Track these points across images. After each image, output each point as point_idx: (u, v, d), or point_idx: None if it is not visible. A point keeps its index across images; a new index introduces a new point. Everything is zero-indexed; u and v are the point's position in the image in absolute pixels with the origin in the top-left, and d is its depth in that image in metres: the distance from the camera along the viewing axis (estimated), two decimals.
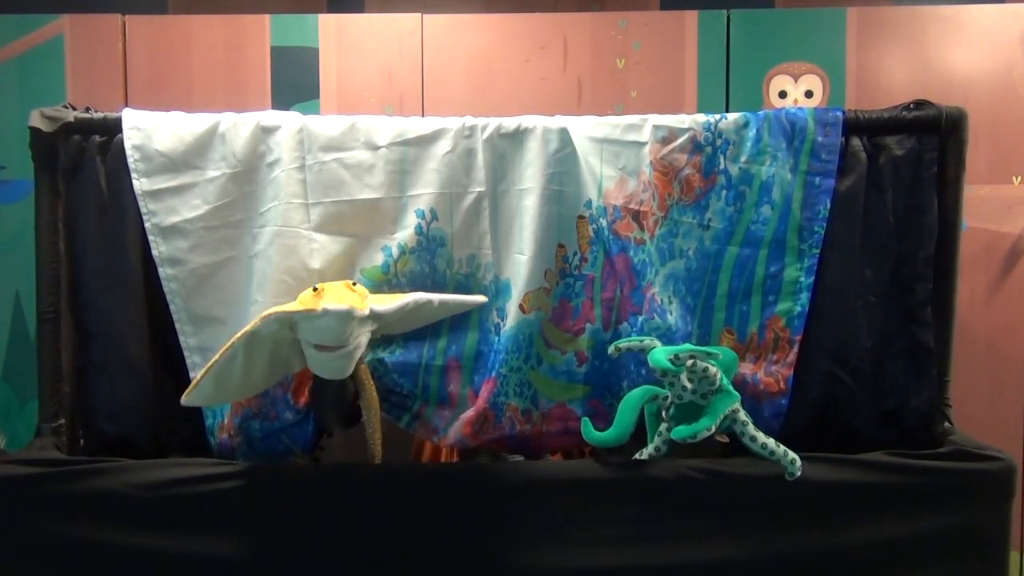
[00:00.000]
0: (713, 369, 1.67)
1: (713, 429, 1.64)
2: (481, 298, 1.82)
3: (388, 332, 1.79)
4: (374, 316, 1.65)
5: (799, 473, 1.65)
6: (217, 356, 1.61)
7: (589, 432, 1.72)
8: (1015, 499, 1.74)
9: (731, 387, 1.71)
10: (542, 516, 1.68)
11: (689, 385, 1.67)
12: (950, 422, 1.85)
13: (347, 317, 1.59)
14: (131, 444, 1.82)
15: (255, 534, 1.68)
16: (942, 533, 1.70)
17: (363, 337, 1.67)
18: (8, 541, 1.67)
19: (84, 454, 1.84)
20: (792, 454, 1.66)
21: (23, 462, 1.69)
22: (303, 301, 1.62)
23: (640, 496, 1.69)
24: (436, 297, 1.76)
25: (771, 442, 1.67)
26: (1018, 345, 2.33)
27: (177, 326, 1.81)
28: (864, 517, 1.69)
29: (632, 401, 1.69)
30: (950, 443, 1.77)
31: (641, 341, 1.73)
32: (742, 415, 1.70)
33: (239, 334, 1.61)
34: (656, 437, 1.74)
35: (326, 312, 1.58)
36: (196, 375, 1.68)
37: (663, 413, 1.73)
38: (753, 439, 1.67)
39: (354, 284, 1.69)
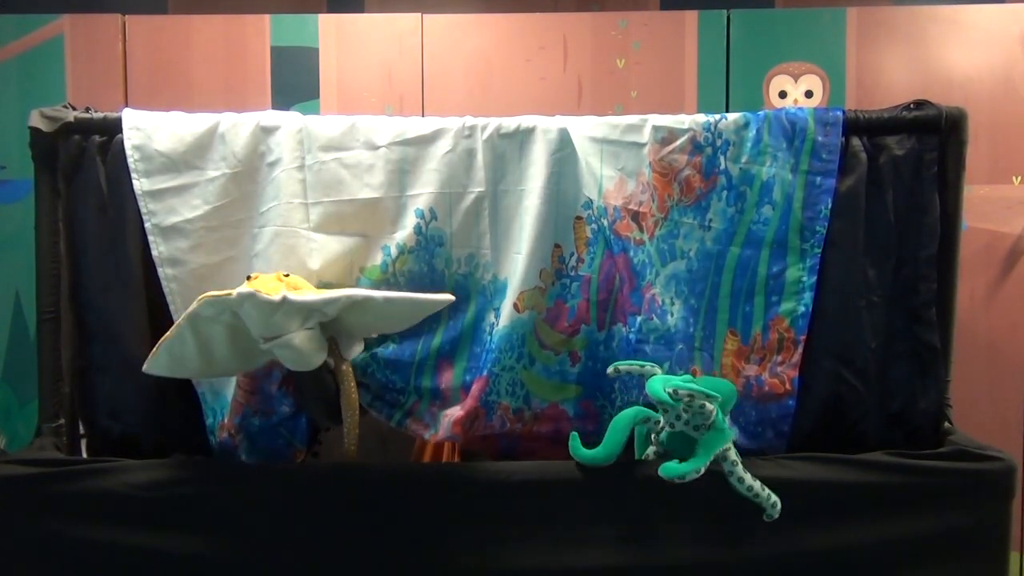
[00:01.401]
0: (710, 407, 1.62)
1: (703, 471, 1.61)
2: (447, 297, 1.72)
3: (353, 333, 1.74)
4: (288, 305, 1.59)
5: (777, 516, 1.65)
6: (169, 333, 1.63)
7: (577, 449, 1.69)
8: (1015, 499, 1.74)
9: (725, 425, 1.68)
10: (538, 516, 1.68)
11: (684, 415, 1.64)
12: (950, 422, 1.85)
13: (256, 302, 1.57)
14: (133, 443, 1.82)
15: (255, 534, 1.67)
16: (942, 533, 1.70)
17: (301, 334, 1.62)
18: (8, 541, 1.67)
19: (88, 453, 1.84)
20: (774, 497, 1.65)
21: (23, 462, 1.69)
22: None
23: (637, 496, 1.68)
24: (380, 294, 1.68)
25: (756, 484, 1.65)
26: (1018, 345, 2.33)
27: None
28: (864, 517, 1.69)
29: (623, 421, 1.67)
30: (950, 443, 1.77)
31: (642, 367, 1.71)
32: (733, 454, 1.66)
33: (184, 314, 1.63)
34: (643, 460, 1.73)
35: (240, 296, 1.58)
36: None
37: (652, 437, 1.72)
38: (740, 480, 1.64)
39: (287, 275, 1.68)
